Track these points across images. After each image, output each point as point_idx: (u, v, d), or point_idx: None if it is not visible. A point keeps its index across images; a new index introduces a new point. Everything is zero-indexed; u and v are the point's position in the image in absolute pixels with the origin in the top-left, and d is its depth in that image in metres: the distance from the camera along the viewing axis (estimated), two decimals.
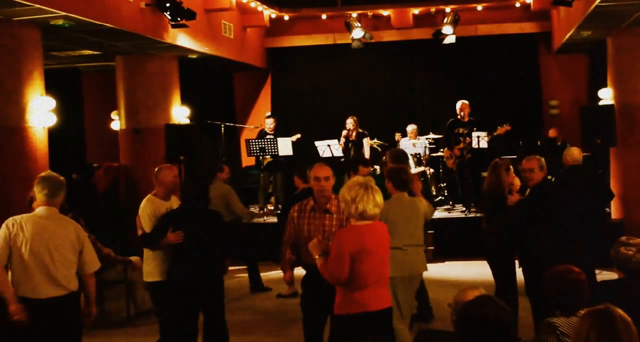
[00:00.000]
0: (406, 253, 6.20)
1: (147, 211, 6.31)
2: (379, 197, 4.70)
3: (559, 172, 8.92)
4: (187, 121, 11.93)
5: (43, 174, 5.22)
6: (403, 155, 8.10)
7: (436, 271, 10.31)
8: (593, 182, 8.66)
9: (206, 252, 6.03)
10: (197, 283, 6.00)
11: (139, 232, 6.35)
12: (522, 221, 6.84)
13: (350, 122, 12.49)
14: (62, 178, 5.21)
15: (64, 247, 5.08)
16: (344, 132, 12.47)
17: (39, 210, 5.11)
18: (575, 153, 8.63)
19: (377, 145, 13.11)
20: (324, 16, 14.57)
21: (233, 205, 9.27)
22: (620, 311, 3.19)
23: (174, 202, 6.43)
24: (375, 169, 12.65)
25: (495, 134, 11.63)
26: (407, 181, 6.33)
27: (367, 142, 12.50)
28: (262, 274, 9.95)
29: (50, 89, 8.90)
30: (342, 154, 12.12)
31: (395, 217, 6.13)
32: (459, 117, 12.00)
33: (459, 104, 12.04)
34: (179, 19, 9.93)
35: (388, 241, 4.87)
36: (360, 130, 12.45)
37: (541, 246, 6.72)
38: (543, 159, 6.94)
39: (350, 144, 12.39)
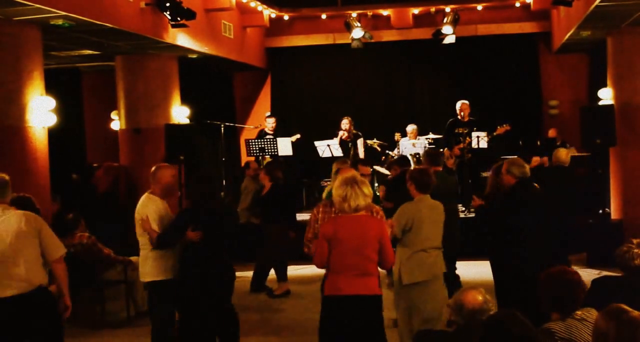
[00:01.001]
0: (429, 256, 6.21)
1: (154, 209, 6.25)
2: (367, 189, 5.09)
3: (541, 170, 8.93)
4: (187, 121, 11.92)
5: None
6: (438, 156, 8.16)
7: None
8: (569, 186, 8.63)
9: (222, 250, 6.20)
10: (215, 281, 6.13)
11: (140, 232, 6.26)
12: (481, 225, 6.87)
13: (345, 123, 12.53)
14: (6, 176, 5.20)
15: (18, 241, 4.96)
16: (341, 133, 12.48)
17: None
18: (561, 154, 8.62)
19: (377, 146, 13.10)
20: (323, 16, 14.56)
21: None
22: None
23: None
24: (374, 170, 12.69)
25: (495, 134, 11.64)
26: (430, 183, 6.33)
27: (361, 143, 12.52)
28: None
29: (50, 88, 8.90)
30: (342, 154, 12.12)
31: (420, 220, 6.16)
32: (458, 117, 12.01)
33: (458, 104, 12.05)
34: (178, 18, 9.92)
35: (374, 233, 5.06)
36: (354, 132, 12.46)
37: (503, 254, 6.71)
38: (511, 163, 6.75)
39: (350, 144, 12.41)
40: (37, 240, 5.05)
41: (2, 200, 5.10)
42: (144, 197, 6.39)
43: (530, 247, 6.41)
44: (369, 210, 5.69)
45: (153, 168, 6.49)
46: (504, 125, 11.65)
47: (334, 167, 7.41)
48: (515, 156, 8.63)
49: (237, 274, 6.26)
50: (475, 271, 10.04)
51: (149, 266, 6.29)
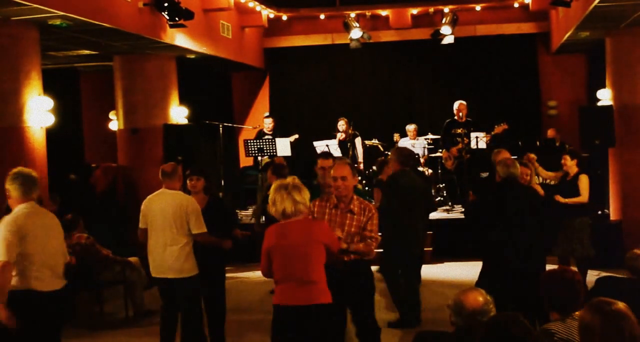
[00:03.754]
0: None
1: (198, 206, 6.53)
2: (299, 195, 4.86)
3: None
4: (186, 121, 11.91)
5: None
6: (410, 156, 8.09)
7: (435, 272, 10.31)
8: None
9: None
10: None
11: (185, 232, 6.34)
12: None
13: (341, 124, 12.54)
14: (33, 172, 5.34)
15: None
16: (339, 135, 12.47)
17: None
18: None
19: (380, 146, 13.06)
20: (322, 16, 14.55)
21: None
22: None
23: None
24: (372, 170, 12.66)
25: (492, 133, 11.65)
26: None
27: (359, 142, 12.51)
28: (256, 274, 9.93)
29: (48, 88, 8.88)
30: (341, 155, 12.10)
31: None
32: (456, 117, 12.00)
33: (456, 105, 12.05)
34: (177, 18, 9.91)
35: (317, 237, 4.87)
36: (352, 131, 12.46)
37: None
38: (499, 162, 6.92)
39: (348, 143, 12.39)
40: None
41: (29, 197, 5.16)
42: (190, 198, 6.50)
43: (508, 247, 6.51)
44: (362, 208, 5.63)
45: (168, 167, 6.54)
46: (502, 124, 11.68)
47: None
48: (505, 156, 8.69)
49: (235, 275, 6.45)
50: (474, 271, 10.01)
51: (191, 262, 6.40)
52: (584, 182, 8.47)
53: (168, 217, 6.34)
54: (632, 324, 3.16)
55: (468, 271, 10.19)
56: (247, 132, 14.23)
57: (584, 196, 8.48)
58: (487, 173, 12.29)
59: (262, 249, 4.92)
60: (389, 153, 12.81)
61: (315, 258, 4.85)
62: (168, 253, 6.35)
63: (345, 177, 5.54)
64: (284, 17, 14.58)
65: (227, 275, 10.63)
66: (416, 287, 7.89)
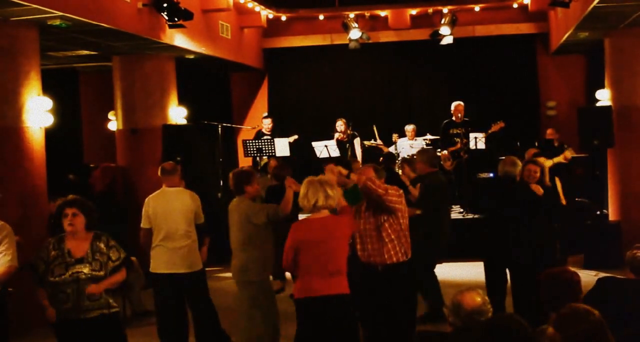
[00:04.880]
0: None
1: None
2: (330, 190, 5.15)
3: None
4: (184, 122, 11.91)
5: None
6: (437, 157, 8.22)
7: None
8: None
9: None
10: None
11: (191, 225, 6.59)
12: None
13: (340, 124, 12.54)
14: None
15: None
16: (338, 135, 12.48)
17: None
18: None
19: (380, 145, 13.07)
20: (321, 17, 14.55)
21: None
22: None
23: None
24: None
25: (489, 132, 11.66)
26: (240, 185, 6.49)
27: (357, 143, 12.51)
28: None
29: (47, 89, 8.87)
30: (339, 155, 12.11)
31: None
32: (454, 118, 12.01)
33: (453, 105, 12.07)
34: (176, 19, 9.91)
35: (341, 233, 5.17)
36: (350, 132, 12.46)
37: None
38: (501, 161, 7.08)
39: (347, 144, 12.40)
40: None
41: None
42: (180, 190, 6.68)
43: (500, 244, 6.64)
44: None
45: (169, 165, 6.71)
46: (498, 123, 11.69)
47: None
48: (530, 153, 8.74)
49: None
50: (474, 271, 10.03)
51: (199, 256, 6.63)
52: (559, 185, 8.53)
53: (176, 214, 6.41)
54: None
55: (467, 271, 10.20)
56: (246, 132, 14.23)
57: (562, 199, 8.53)
58: (486, 173, 12.36)
59: (287, 244, 5.14)
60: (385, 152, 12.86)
61: (341, 252, 5.15)
62: (179, 249, 6.42)
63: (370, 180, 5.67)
64: (283, 18, 14.58)
65: (226, 275, 10.70)
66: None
